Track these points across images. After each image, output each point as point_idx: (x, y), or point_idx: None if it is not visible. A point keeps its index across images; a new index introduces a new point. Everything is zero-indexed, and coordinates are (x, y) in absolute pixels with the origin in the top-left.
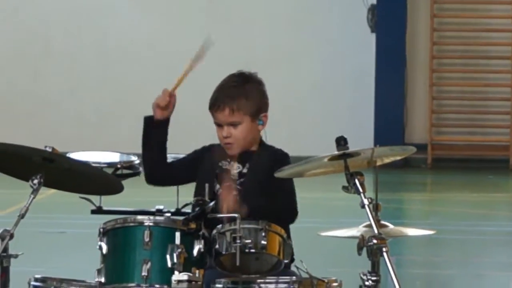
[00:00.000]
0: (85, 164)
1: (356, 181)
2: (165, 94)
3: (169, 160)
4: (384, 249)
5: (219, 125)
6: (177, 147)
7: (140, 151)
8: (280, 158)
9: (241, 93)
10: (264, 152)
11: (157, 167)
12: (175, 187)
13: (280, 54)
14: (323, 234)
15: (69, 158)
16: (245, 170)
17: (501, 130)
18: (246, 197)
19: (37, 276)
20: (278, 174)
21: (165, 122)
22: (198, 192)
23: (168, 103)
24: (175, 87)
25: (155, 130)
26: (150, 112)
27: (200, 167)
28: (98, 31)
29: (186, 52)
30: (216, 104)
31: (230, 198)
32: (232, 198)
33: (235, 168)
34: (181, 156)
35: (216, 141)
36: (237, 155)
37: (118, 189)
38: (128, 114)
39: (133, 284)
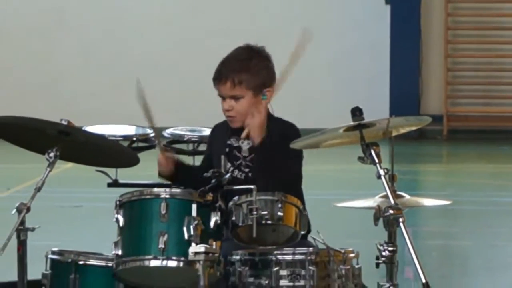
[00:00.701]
0: (101, 137)
1: (372, 151)
2: (162, 162)
3: (186, 135)
4: (400, 219)
5: (222, 97)
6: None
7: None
8: (288, 129)
9: (245, 67)
10: (272, 125)
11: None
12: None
13: (295, 26)
14: (340, 205)
15: (84, 131)
16: (256, 145)
17: None
18: (257, 173)
19: (54, 249)
20: (293, 145)
21: (178, 171)
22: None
23: (170, 163)
24: (160, 146)
25: (175, 180)
26: (164, 84)
27: (212, 149)
28: (113, 3)
29: (199, 26)
30: (218, 76)
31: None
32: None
33: (245, 144)
34: (196, 132)
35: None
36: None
37: (134, 161)
38: (144, 86)
39: (150, 256)
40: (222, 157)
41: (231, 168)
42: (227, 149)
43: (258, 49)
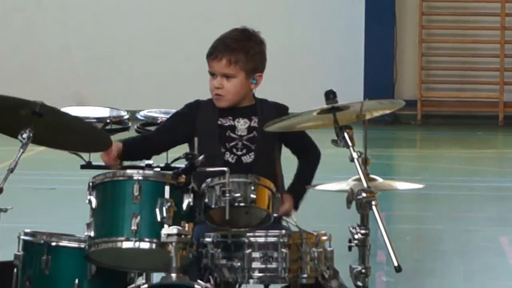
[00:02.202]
0: (74, 118)
1: (345, 134)
2: (105, 159)
3: (160, 117)
4: (373, 202)
5: (212, 74)
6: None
7: (131, 107)
8: (283, 109)
9: (241, 48)
10: (265, 105)
11: (145, 156)
12: None
13: (271, 10)
14: (313, 188)
15: (57, 111)
16: (254, 124)
17: (491, 86)
18: (261, 152)
19: (27, 230)
20: (268, 128)
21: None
22: (200, 153)
23: (113, 156)
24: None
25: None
26: (142, 68)
27: (195, 126)
28: None
29: (178, 10)
30: (214, 53)
31: (290, 208)
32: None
33: (242, 123)
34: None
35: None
36: (239, 110)
37: (107, 144)
38: (120, 70)
39: (122, 238)
40: (196, 139)
41: (222, 150)
42: (218, 130)
43: (255, 33)
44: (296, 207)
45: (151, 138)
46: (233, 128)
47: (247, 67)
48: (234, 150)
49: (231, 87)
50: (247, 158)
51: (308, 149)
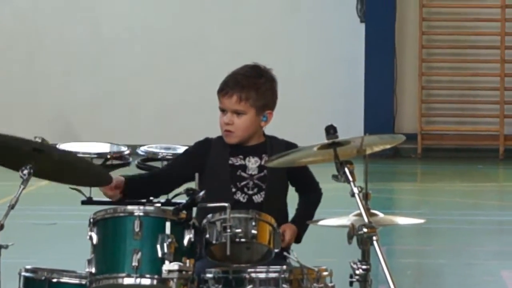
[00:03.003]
0: (74, 155)
1: (346, 169)
2: (107, 193)
3: (160, 152)
4: (374, 238)
5: (223, 110)
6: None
7: (132, 142)
8: (293, 147)
9: (252, 85)
10: (274, 142)
11: (149, 194)
12: None
13: (271, 43)
14: (313, 223)
15: (57, 149)
16: (264, 162)
17: (491, 119)
18: (272, 190)
19: (28, 267)
20: (268, 164)
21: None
22: (210, 191)
23: (115, 191)
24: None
25: (123, 196)
26: (142, 101)
27: (206, 164)
28: (91, 18)
29: (180, 41)
30: (225, 89)
31: (293, 237)
32: (293, 235)
33: (253, 162)
34: (171, 150)
35: (210, 134)
36: (249, 149)
37: (107, 181)
38: (121, 103)
39: (123, 274)
40: (196, 174)
41: (233, 190)
42: (229, 169)
43: (266, 69)
44: (298, 240)
45: (158, 176)
46: (244, 168)
47: (257, 104)
48: (245, 190)
49: (241, 124)
50: (258, 198)
51: (311, 187)
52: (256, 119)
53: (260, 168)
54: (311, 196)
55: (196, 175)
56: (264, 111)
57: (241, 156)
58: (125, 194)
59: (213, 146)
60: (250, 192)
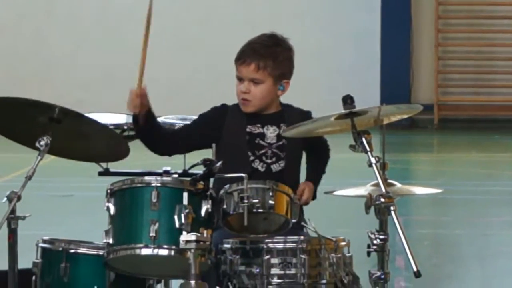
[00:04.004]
0: (93, 123)
1: (363, 139)
2: (132, 97)
3: (177, 123)
4: (392, 208)
5: (240, 79)
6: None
7: None
8: (308, 115)
9: (270, 54)
10: (291, 111)
11: (160, 145)
12: None
13: (284, 15)
14: (331, 193)
15: (79, 114)
16: (283, 131)
17: (507, 89)
18: (291, 159)
19: (45, 238)
20: (285, 134)
21: (147, 114)
22: (227, 159)
23: (139, 103)
24: (140, 82)
25: (142, 124)
26: (154, 74)
27: (223, 131)
28: None
29: (190, 16)
30: (242, 57)
31: (311, 194)
32: (312, 192)
33: (271, 131)
34: (188, 120)
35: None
36: (267, 117)
37: (125, 152)
38: (133, 76)
39: (141, 245)
40: (213, 145)
41: (251, 158)
42: (247, 137)
43: (284, 39)
44: (314, 196)
45: (175, 134)
46: (262, 136)
47: (275, 73)
48: (264, 158)
49: (258, 93)
50: (277, 167)
51: (321, 145)
52: (273, 88)
53: (279, 137)
54: (320, 154)
55: (213, 145)
56: (281, 80)
57: (259, 125)
58: (145, 127)
59: (229, 112)
60: (269, 160)
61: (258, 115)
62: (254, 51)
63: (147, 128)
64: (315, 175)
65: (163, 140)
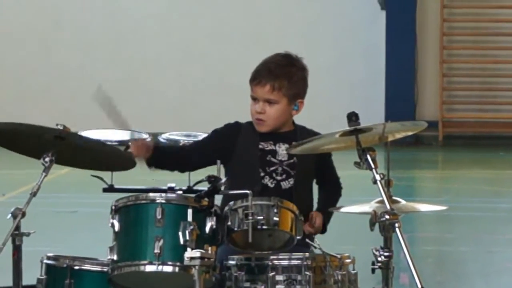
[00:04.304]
0: (96, 142)
1: (368, 156)
2: (136, 150)
3: (181, 140)
4: (396, 225)
5: (254, 99)
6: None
7: (151, 129)
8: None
9: (285, 74)
10: (304, 131)
11: (171, 167)
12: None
13: (290, 30)
14: (336, 210)
15: (80, 135)
16: (288, 149)
17: None
18: (301, 178)
19: (50, 254)
20: (291, 151)
21: (153, 154)
22: (238, 174)
23: (145, 150)
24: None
25: (151, 162)
26: (161, 88)
27: (235, 147)
28: (109, 5)
29: (196, 29)
30: (258, 78)
31: (320, 223)
32: (321, 224)
33: (283, 148)
34: (192, 137)
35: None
36: (280, 135)
37: (130, 164)
38: (140, 90)
39: (145, 261)
40: (218, 162)
41: (262, 174)
42: (259, 153)
43: (298, 58)
44: (324, 230)
45: (186, 151)
46: (274, 153)
47: (289, 93)
48: (274, 175)
49: (273, 113)
50: (286, 184)
51: (333, 181)
52: (288, 108)
53: (290, 155)
54: (332, 190)
55: (218, 162)
56: (295, 100)
57: (271, 142)
58: (152, 160)
59: (243, 130)
60: (279, 177)
61: (271, 133)
62: (269, 71)
63: (157, 162)
64: (325, 208)
65: (174, 161)
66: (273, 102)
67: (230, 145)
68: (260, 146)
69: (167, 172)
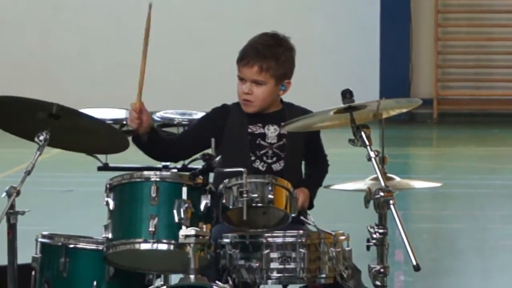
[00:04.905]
0: (91, 119)
1: (363, 133)
2: (131, 111)
3: (176, 118)
4: (391, 202)
5: (241, 79)
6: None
7: (147, 108)
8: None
9: (273, 54)
10: (292, 109)
11: (163, 157)
12: None
13: (288, 11)
14: (330, 187)
15: (74, 111)
16: (283, 131)
17: (507, 84)
18: (291, 159)
19: (45, 233)
20: (285, 128)
21: (150, 133)
22: (228, 158)
23: (139, 118)
24: (139, 97)
25: (145, 142)
26: (158, 69)
27: (224, 132)
28: None
29: (196, 12)
30: (245, 59)
31: (306, 199)
32: (307, 198)
33: (272, 130)
34: (187, 115)
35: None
36: (268, 116)
37: (125, 145)
38: (137, 72)
39: (140, 240)
40: (213, 140)
41: (252, 158)
42: (249, 137)
43: (286, 38)
44: (310, 206)
45: (177, 141)
46: (263, 136)
47: (277, 74)
48: (265, 158)
49: (261, 94)
50: (277, 166)
51: (320, 159)
52: (275, 89)
53: (279, 136)
54: (319, 166)
55: (212, 140)
56: (283, 80)
57: (260, 124)
58: (147, 140)
59: (231, 113)
60: (269, 160)
61: (259, 114)
62: (257, 52)
63: (150, 146)
64: (311, 184)
65: (166, 151)
66: (260, 83)
67: (219, 129)
68: (249, 130)
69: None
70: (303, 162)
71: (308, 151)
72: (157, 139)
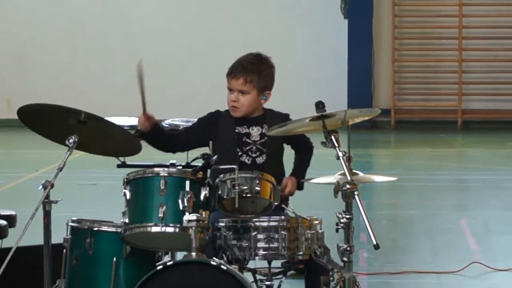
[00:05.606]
0: (112, 125)
1: (333, 137)
2: (142, 121)
3: (181, 124)
4: (355, 193)
5: (230, 90)
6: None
7: (156, 116)
8: (286, 116)
9: (255, 70)
10: (272, 114)
11: (164, 147)
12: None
13: (272, 36)
14: (306, 181)
15: (100, 118)
16: (265, 131)
17: (451, 97)
18: (272, 153)
19: (74, 218)
20: (269, 132)
21: (155, 127)
22: (220, 154)
23: (148, 123)
24: (144, 108)
25: (150, 134)
26: (167, 84)
27: (217, 132)
28: (125, 17)
29: (196, 37)
30: (233, 73)
31: (293, 186)
32: (294, 185)
33: (255, 130)
34: (190, 122)
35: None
36: (252, 120)
37: (137, 148)
38: (148, 85)
39: (151, 224)
40: (210, 142)
41: (239, 153)
42: (236, 136)
43: (267, 57)
44: (301, 187)
45: (178, 135)
46: (248, 135)
47: (259, 85)
48: (250, 153)
49: (245, 101)
50: (260, 160)
51: (304, 143)
52: (258, 98)
53: (261, 135)
54: (304, 149)
55: (210, 142)
56: (264, 91)
57: (245, 126)
58: (150, 134)
59: (222, 117)
60: (254, 155)
61: (245, 118)
62: (242, 67)
63: (154, 137)
64: (299, 170)
65: (167, 142)
66: (245, 92)
67: (212, 130)
68: (237, 130)
69: (157, 150)
70: (285, 158)
71: (292, 140)
72: (159, 132)
